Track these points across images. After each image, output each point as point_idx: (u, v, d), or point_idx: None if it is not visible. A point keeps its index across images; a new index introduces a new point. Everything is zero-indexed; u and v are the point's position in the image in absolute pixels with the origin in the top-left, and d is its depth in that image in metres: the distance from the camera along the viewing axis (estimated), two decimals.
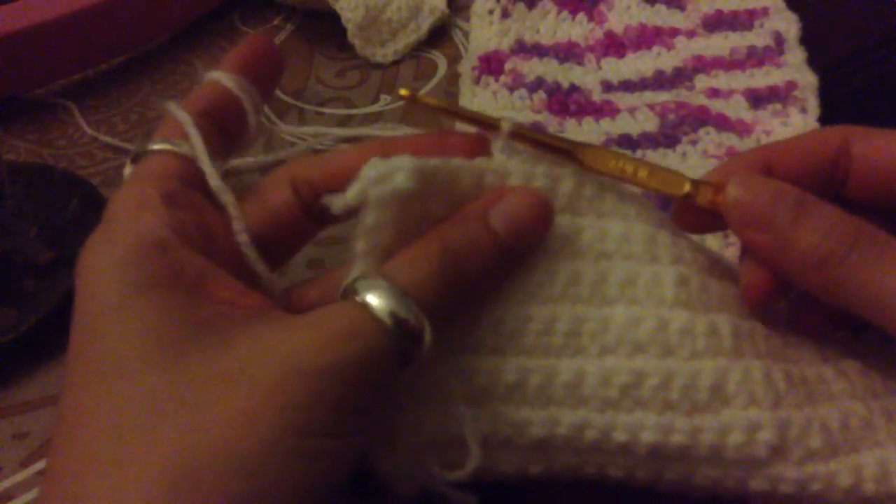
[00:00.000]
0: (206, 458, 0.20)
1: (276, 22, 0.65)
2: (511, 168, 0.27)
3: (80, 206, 0.45)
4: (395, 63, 0.59)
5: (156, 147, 0.27)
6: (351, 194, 0.24)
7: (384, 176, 0.24)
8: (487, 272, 0.25)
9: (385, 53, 0.59)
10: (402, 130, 0.32)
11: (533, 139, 0.28)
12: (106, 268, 0.23)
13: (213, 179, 0.26)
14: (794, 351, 0.29)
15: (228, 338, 0.22)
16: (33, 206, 0.46)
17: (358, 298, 0.23)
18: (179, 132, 0.27)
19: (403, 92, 0.27)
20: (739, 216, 0.27)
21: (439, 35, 0.61)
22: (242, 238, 0.26)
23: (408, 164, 0.24)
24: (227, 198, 0.26)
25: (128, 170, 0.27)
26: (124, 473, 0.20)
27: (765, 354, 0.27)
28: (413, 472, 0.26)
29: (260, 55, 0.31)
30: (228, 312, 0.23)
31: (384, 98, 0.56)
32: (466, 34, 0.61)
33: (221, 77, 0.29)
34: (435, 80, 0.57)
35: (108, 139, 0.53)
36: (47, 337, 0.40)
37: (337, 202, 0.25)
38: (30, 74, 0.56)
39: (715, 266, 0.29)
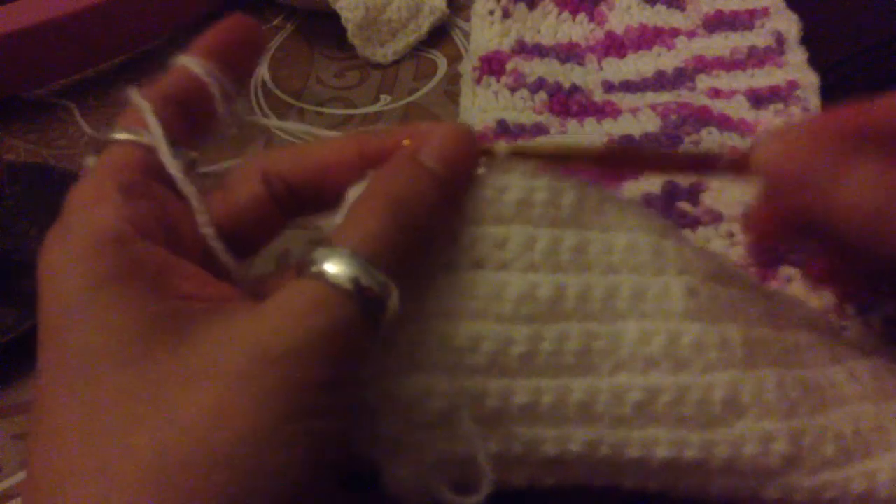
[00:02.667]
0: (185, 456, 0.19)
1: (275, 22, 0.65)
2: (510, 182, 0.27)
3: None
4: (395, 63, 0.59)
5: (117, 137, 0.26)
6: (341, 218, 0.25)
7: None
8: (434, 211, 0.25)
9: (385, 53, 0.59)
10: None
11: (545, 154, 0.28)
12: (63, 265, 0.22)
13: (173, 169, 0.26)
14: (805, 354, 0.28)
15: (193, 331, 0.21)
16: (33, 206, 0.46)
17: (314, 269, 0.22)
18: (141, 121, 0.26)
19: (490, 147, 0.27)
20: (775, 179, 0.25)
21: (439, 35, 0.61)
22: (207, 230, 0.26)
23: None
24: (187, 188, 0.26)
25: (90, 161, 0.26)
26: (105, 481, 0.19)
27: (777, 361, 0.27)
28: (422, 490, 0.25)
29: (235, 36, 0.29)
30: (192, 305, 0.22)
31: (384, 98, 0.56)
32: (466, 34, 0.61)
33: (188, 62, 0.28)
34: (435, 80, 0.57)
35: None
36: None
37: (329, 224, 0.25)
38: (30, 74, 0.56)
39: (721, 271, 0.29)
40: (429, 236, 0.25)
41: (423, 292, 0.26)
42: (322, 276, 0.22)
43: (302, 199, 0.28)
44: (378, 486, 0.26)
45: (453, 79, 0.57)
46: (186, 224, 0.26)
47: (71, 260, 0.22)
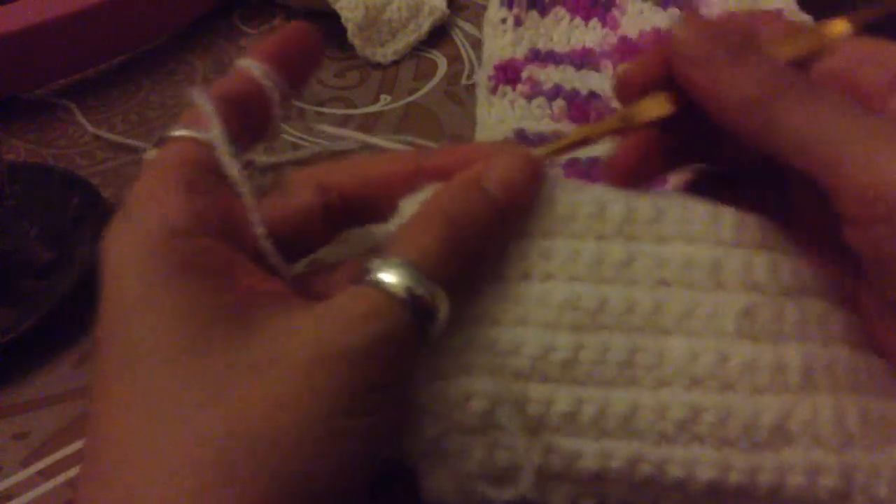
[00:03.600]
0: (245, 444, 0.20)
1: (276, 22, 0.65)
2: (556, 195, 0.27)
3: (80, 206, 0.45)
4: (395, 63, 0.59)
5: (177, 133, 0.27)
6: (395, 227, 0.26)
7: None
8: (488, 235, 0.26)
9: (385, 53, 0.59)
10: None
11: (568, 145, 0.29)
12: (130, 255, 0.23)
13: (231, 169, 0.26)
14: (880, 379, 0.27)
15: (255, 325, 0.23)
16: (33, 206, 0.46)
17: (371, 277, 0.23)
18: (202, 119, 0.27)
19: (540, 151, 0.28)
20: (680, 54, 0.27)
21: (439, 35, 0.61)
22: (259, 230, 0.26)
23: None
24: (243, 187, 0.27)
25: (150, 154, 0.27)
26: (166, 464, 0.20)
27: (843, 387, 0.26)
28: (464, 497, 0.25)
29: (295, 44, 0.30)
30: (253, 299, 0.23)
31: (384, 98, 0.56)
32: (467, 34, 0.61)
33: (249, 65, 0.29)
34: (435, 80, 0.57)
35: (112, 136, 0.53)
36: (47, 337, 0.40)
37: (382, 233, 0.26)
38: (30, 74, 0.56)
39: (801, 282, 0.27)
40: (480, 256, 0.26)
41: (471, 300, 0.26)
42: (379, 284, 0.23)
43: (355, 211, 0.29)
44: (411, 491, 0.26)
45: (453, 79, 0.57)
46: (242, 223, 0.26)
47: (138, 251, 0.23)
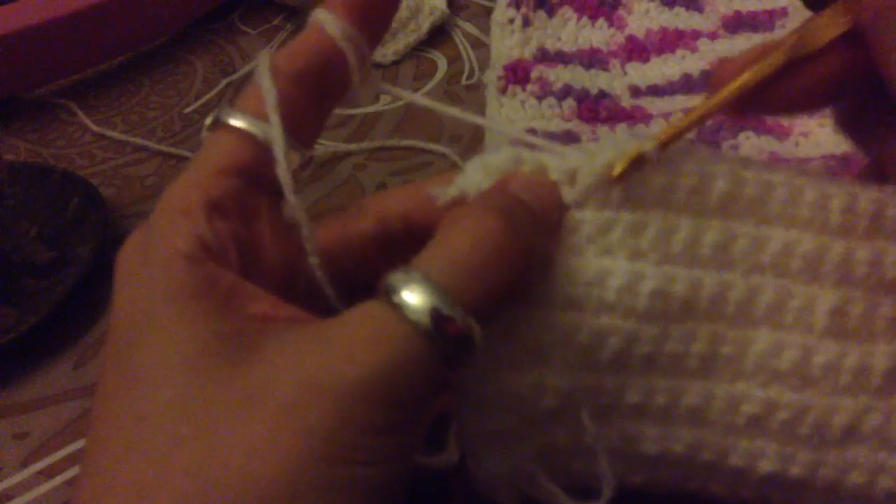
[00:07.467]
0: (223, 489, 0.18)
1: (276, 22, 0.65)
2: (654, 169, 0.24)
3: (80, 206, 0.45)
4: (395, 63, 0.59)
5: (233, 122, 0.24)
6: (456, 186, 0.24)
7: (486, 166, 0.24)
8: (534, 242, 0.23)
9: (385, 53, 0.59)
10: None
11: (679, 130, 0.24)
12: (138, 274, 0.22)
13: (290, 195, 0.24)
14: None
15: (256, 351, 0.20)
16: (33, 206, 0.46)
17: (394, 298, 0.20)
18: (263, 105, 0.24)
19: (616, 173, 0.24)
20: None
21: (439, 35, 0.61)
22: (314, 260, 0.24)
23: (509, 155, 0.24)
24: (300, 215, 0.24)
25: (204, 136, 0.24)
26: (140, 500, 0.19)
27: None
28: (517, 483, 0.24)
29: None
30: (261, 326, 0.21)
31: (384, 98, 0.56)
32: (466, 34, 0.61)
33: (325, 20, 0.25)
34: (435, 80, 0.57)
35: (116, 134, 0.53)
36: (47, 337, 0.40)
37: (442, 193, 0.24)
38: (30, 74, 0.56)
39: None
40: (527, 272, 0.22)
41: (547, 277, 0.23)
42: (395, 304, 0.20)
43: (418, 238, 0.25)
44: None
45: (453, 79, 0.57)
46: (269, 241, 0.24)
47: (149, 269, 0.22)
